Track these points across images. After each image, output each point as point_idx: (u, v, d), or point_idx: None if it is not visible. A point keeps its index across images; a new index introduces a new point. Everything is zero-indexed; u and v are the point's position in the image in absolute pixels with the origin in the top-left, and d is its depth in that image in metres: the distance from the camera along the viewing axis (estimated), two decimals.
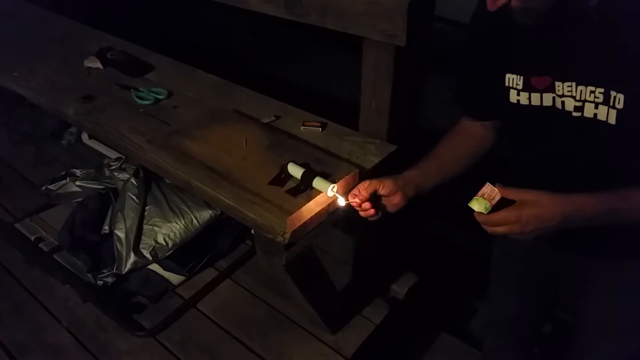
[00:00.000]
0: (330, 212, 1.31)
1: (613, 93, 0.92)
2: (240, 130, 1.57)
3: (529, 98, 1.04)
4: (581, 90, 0.96)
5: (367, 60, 1.47)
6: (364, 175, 1.39)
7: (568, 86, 0.97)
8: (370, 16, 1.36)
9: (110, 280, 1.94)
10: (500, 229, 0.99)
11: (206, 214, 2.06)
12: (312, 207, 1.26)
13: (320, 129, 1.60)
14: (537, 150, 1.15)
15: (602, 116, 0.95)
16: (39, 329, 1.86)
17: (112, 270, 1.94)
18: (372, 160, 1.46)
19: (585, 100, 0.96)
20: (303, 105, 1.76)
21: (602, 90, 0.93)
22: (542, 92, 1.02)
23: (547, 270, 1.37)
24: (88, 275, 1.94)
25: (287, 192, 1.30)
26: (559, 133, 1.05)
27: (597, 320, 1.33)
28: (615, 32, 0.90)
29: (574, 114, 0.98)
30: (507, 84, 1.07)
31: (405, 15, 1.29)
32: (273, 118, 1.67)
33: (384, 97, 1.48)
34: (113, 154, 2.59)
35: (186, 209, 2.05)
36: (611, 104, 0.93)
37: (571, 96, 0.98)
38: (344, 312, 1.82)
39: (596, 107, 0.95)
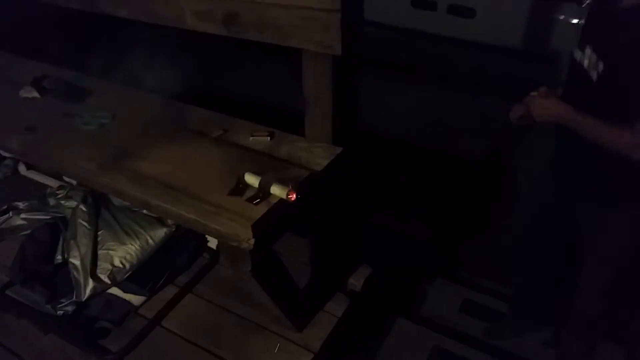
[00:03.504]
0: (290, 215, 1.40)
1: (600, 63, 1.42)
2: (192, 146, 1.63)
3: (576, 53, 1.56)
4: (593, 57, 1.46)
5: (307, 70, 1.57)
6: (316, 177, 1.50)
7: (589, 50, 1.48)
8: (307, 29, 1.46)
9: (70, 309, 1.92)
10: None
11: (161, 232, 2.08)
12: (272, 212, 1.34)
13: (269, 138, 1.69)
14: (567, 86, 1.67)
15: (593, 75, 1.45)
16: None
17: (72, 298, 1.92)
18: (321, 162, 1.56)
19: (595, 64, 1.44)
20: (244, 116, 1.83)
21: (595, 57, 1.44)
22: (580, 49, 1.54)
23: (559, 211, 1.80)
24: (47, 306, 1.91)
25: (247, 200, 1.37)
26: (577, 79, 1.55)
27: (585, 252, 1.77)
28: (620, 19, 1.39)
29: (585, 68, 1.49)
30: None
31: (339, 26, 1.40)
32: (221, 132, 1.73)
33: (327, 103, 1.59)
34: (54, 183, 2.54)
35: (140, 230, 2.06)
36: (597, 68, 1.43)
37: (588, 57, 1.48)
38: (308, 309, 1.91)
39: (593, 68, 1.45)
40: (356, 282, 2.04)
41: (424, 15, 4.48)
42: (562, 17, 3.87)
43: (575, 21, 3.77)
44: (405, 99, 4.47)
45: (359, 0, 1.47)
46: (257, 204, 1.36)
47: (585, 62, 1.50)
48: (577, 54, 1.55)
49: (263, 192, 1.38)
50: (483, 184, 3.49)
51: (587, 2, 1.74)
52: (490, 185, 3.49)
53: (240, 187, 1.41)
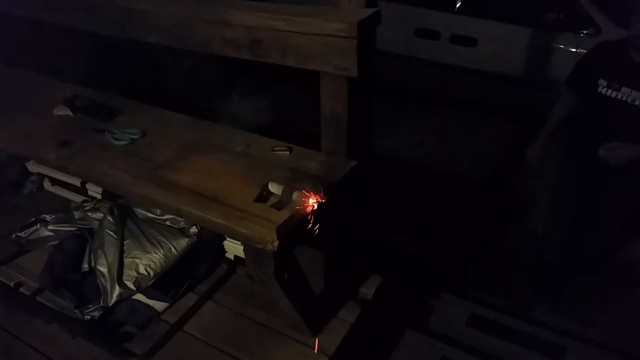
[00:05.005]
0: (310, 221, 1.52)
1: None
2: (218, 159, 1.76)
3: (607, 92, 2.25)
4: (634, 93, 2.18)
5: (325, 90, 1.71)
6: (333, 187, 1.63)
7: (627, 89, 2.19)
8: (326, 54, 1.60)
9: (97, 314, 2.03)
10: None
11: (183, 242, 2.20)
12: (295, 217, 1.47)
13: (288, 152, 1.83)
14: (603, 119, 2.33)
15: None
16: None
17: (99, 304, 2.04)
18: (337, 175, 1.69)
19: (636, 98, 2.17)
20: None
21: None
22: (613, 90, 2.23)
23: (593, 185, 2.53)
24: (75, 311, 2.02)
25: (272, 206, 1.50)
26: (616, 111, 2.24)
27: (612, 211, 2.60)
28: None
29: (628, 102, 2.20)
30: (598, 83, 2.28)
31: (355, 51, 1.55)
32: (244, 147, 1.87)
33: (342, 120, 1.73)
34: (77, 198, 2.68)
35: (164, 240, 2.19)
36: None
37: (628, 94, 2.19)
38: (322, 315, 2.01)
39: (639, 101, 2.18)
40: (367, 291, 2.15)
41: (427, 44, 4.67)
42: (561, 46, 4.04)
43: (573, 50, 3.96)
44: (410, 123, 4.64)
45: (372, 28, 1.63)
46: (281, 209, 1.48)
47: (627, 98, 2.21)
48: (613, 94, 2.25)
49: (286, 199, 1.51)
50: (487, 206, 3.62)
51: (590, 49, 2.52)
52: (494, 207, 3.62)
53: (265, 195, 1.54)
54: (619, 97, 2.23)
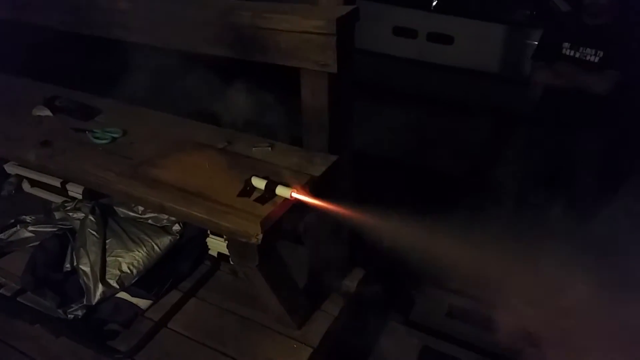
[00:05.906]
0: (293, 215, 1.55)
1: (599, 52, 2.66)
2: (200, 156, 1.78)
3: (569, 52, 2.73)
4: (587, 50, 2.69)
5: (306, 86, 1.74)
6: (315, 181, 1.66)
7: (582, 48, 2.70)
8: (306, 50, 1.64)
9: (80, 313, 2.02)
10: None
11: (165, 240, 2.21)
12: (278, 211, 1.50)
13: (270, 148, 1.85)
14: None
15: (590, 59, 2.69)
16: None
17: (82, 303, 2.03)
18: (319, 169, 1.72)
19: (588, 54, 2.67)
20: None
21: (594, 50, 2.67)
22: (574, 50, 2.72)
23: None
24: (58, 311, 2.01)
25: (255, 200, 1.53)
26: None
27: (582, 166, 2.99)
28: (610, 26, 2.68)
29: (583, 59, 2.70)
30: (562, 46, 2.75)
31: (335, 47, 1.58)
32: (226, 143, 1.89)
33: (323, 116, 1.76)
34: (57, 199, 2.66)
35: (146, 238, 2.19)
36: (596, 54, 2.67)
37: (583, 52, 2.69)
38: (306, 307, 2.04)
39: (590, 56, 2.68)
40: (350, 283, 2.19)
41: (404, 43, 4.73)
42: (535, 42, 4.14)
43: None
44: (388, 120, 4.69)
45: (351, 24, 1.66)
46: (264, 203, 1.51)
47: (583, 55, 2.69)
48: (572, 52, 2.73)
49: (269, 193, 1.53)
50: (462, 200, 3.68)
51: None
52: (472, 201, 3.69)
53: (248, 190, 1.57)
54: (577, 55, 2.76)
